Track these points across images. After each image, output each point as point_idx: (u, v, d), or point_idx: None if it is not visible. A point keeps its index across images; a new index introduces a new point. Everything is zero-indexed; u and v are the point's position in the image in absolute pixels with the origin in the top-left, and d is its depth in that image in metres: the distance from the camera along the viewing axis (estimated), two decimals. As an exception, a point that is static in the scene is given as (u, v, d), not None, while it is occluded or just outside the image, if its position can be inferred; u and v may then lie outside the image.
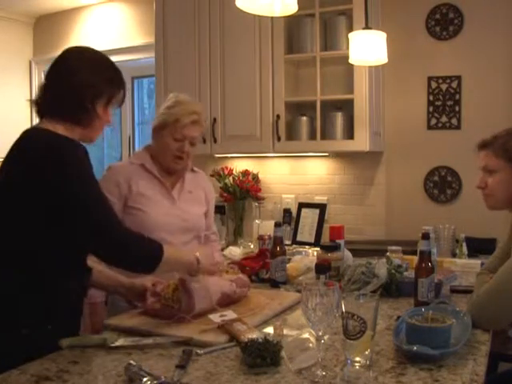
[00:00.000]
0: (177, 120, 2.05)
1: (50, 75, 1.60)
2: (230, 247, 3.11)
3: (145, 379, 1.21)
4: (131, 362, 1.29)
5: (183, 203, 2.15)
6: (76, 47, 1.69)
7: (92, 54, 1.65)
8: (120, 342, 1.49)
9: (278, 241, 2.20)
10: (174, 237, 2.07)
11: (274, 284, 2.17)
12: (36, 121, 1.64)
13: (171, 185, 2.15)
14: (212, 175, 3.56)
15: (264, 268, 2.28)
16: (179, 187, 2.17)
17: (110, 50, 4.18)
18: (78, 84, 1.55)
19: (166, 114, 2.08)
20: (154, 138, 2.15)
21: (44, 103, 1.59)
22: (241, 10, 1.68)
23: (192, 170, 2.26)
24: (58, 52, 1.64)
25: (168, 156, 2.09)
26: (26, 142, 1.55)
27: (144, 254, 1.54)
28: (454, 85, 3.13)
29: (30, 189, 1.47)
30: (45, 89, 1.59)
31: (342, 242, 2.24)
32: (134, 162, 2.13)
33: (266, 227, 3.13)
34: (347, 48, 2.62)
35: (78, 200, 1.47)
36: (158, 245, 1.56)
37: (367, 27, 2.53)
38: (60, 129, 1.54)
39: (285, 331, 1.57)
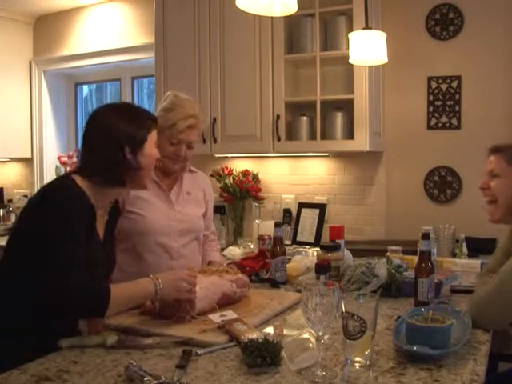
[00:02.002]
0: (173, 125, 2.03)
1: None
2: (230, 247, 3.11)
3: (145, 379, 1.21)
4: (131, 361, 1.29)
5: (181, 205, 2.14)
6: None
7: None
8: (120, 342, 1.49)
9: (277, 241, 2.20)
10: (172, 240, 2.07)
11: (274, 284, 2.18)
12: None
13: (169, 187, 2.15)
14: (212, 175, 3.56)
15: (264, 268, 2.28)
16: (177, 189, 2.16)
17: (110, 50, 4.20)
18: None
19: (162, 118, 2.02)
20: None
21: None
22: (241, 10, 1.67)
23: (190, 171, 2.26)
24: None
25: (164, 159, 2.06)
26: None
27: (88, 304, 1.50)
28: (454, 85, 3.13)
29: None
30: None
31: (342, 241, 2.24)
32: None
33: (266, 227, 3.13)
34: (347, 48, 2.62)
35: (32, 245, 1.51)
36: (103, 291, 1.50)
37: (367, 27, 2.53)
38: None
39: (285, 331, 1.57)
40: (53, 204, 1.53)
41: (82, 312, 1.52)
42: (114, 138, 1.62)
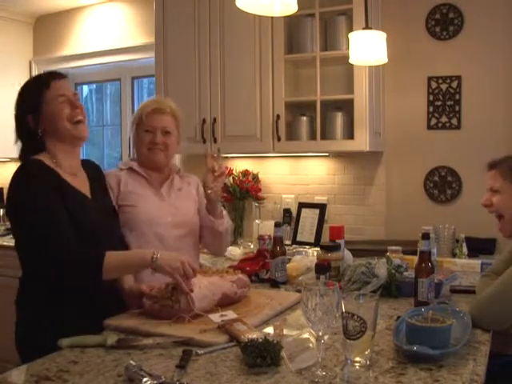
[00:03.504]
0: (140, 114, 2.16)
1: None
2: (230, 247, 3.10)
3: (145, 379, 1.21)
4: (131, 362, 1.29)
5: (173, 200, 2.17)
6: None
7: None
8: (120, 342, 1.49)
9: (277, 241, 2.20)
10: (166, 231, 2.09)
11: (274, 284, 2.18)
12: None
13: (159, 184, 2.19)
14: (212, 175, 3.56)
15: (264, 268, 2.28)
16: (167, 186, 2.19)
17: (110, 50, 4.20)
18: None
19: (134, 114, 2.23)
20: (133, 140, 2.25)
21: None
22: (241, 10, 1.67)
23: (181, 175, 2.27)
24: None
25: (143, 149, 2.15)
26: None
27: (82, 265, 1.58)
28: (454, 85, 3.13)
29: None
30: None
31: (342, 241, 2.24)
32: (122, 167, 2.20)
33: (266, 227, 3.13)
34: (347, 48, 2.62)
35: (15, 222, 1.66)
36: (96, 253, 1.61)
37: (367, 27, 2.53)
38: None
39: (285, 331, 1.57)
40: (15, 190, 1.63)
41: (80, 279, 1.60)
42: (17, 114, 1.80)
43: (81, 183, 1.78)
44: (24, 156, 1.76)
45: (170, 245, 2.07)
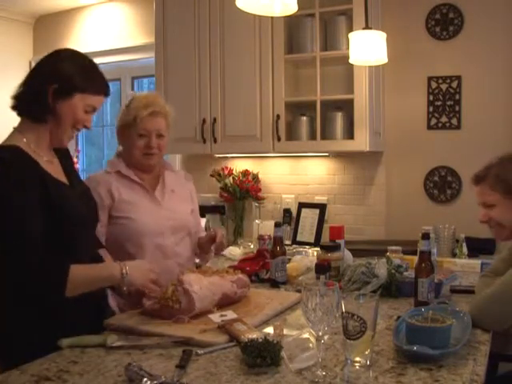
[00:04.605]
0: (135, 116, 2.04)
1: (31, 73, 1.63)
2: (230, 247, 3.11)
3: (145, 379, 1.21)
4: (131, 362, 1.29)
5: (168, 202, 2.12)
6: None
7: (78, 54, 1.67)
8: (120, 342, 1.49)
9: (277, 241, 2.20)
10: (165, 239, 2.06)
11: (274, 284, 2.18)
12: None
13: (152, 186, 2.12)
14: (212, 175, 3.57)
15: (264, 268, 2.28)
16: (160, 188, 2.13)
17: (110, 50, 4.20)
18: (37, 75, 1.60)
19: (125, 114, 2.07)
20: (121, 140, 2.14)
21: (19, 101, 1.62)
22: (241, 10, 1.67)
23: (170, 170, 2.22)
24: None
25: (137, 154, 2.06)
26: None
27: (45, 279, 1.47)
28: (454, 85, 3.13)
29: None
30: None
31: (342, 241, 2.24)
32: (109, 170, 2.09)
33: (266, 227, 3.13)
34: (347, 48, 2.62)
35: None
36: (61, 268, 1.48)
37: (367, 27, 2.53)
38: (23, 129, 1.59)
39: (285, 331, 1.57)
40: None
41: (41, 291, 1.49)
42: (48, 68, 1.59)
43: (57, 170, 1.65)
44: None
45: (169, 252, 2.07)
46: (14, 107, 1.61)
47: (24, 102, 1.59)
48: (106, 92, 1.66)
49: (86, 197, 1.74)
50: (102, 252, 1.85)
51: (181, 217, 2.14)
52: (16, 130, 1.61)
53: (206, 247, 2.19)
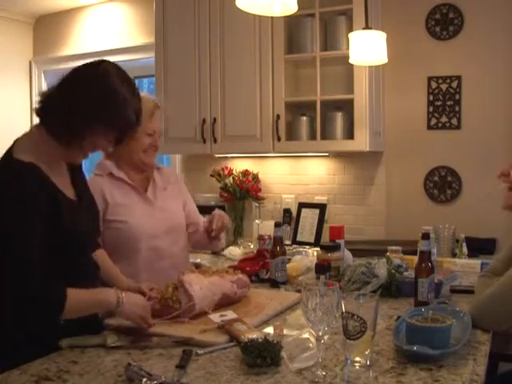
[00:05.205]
0: (151, 114, 2.03)
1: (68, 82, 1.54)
2: (230, 247, 3.11)
3: (145, 379, 1.21)
4: (131, 362, 1.29)
5: (161, 202, 2.12)
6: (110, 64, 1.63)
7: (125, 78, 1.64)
8: (120, 342, 1.49)
9: (277, 241, 2.20)
10: (160, 241, 2.05)
11: (274, 284, 2.18)
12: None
13: (143, 187, 2.11)
14: (212, 175, 3.57)
15: (264, 268, 2.28)
16: (152, 187, 2.13)
17: (109, 50, 4.19)
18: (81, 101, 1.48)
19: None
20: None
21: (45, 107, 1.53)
22: (241, 10, 1.67)
23: (157, 168, 2.21)
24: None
25: (140, 153, 2.05)
26: None
27: (42, 304, 1.42)
28: (454, 85, 3.13)
29: None
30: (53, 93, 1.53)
31: (342, 242, 2.24)
32: (99, 173, 2.06)
33: (266, 227, 3.13)
34: (347, 48, 2.62)
35: None
36: (59, 292, 1.43)
37: (367, 27, 2.53)
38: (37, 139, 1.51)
39: (285, 331, 1.57)
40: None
41: (37, 316, 1.45)
42: (90, 104, 1.49)
43: (65, 182, 1.60)
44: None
45: (164, 254, 2.07)
46: (38, 114, 1.54)
47: (52, 121, 1.51)
48: (136, 126, 1.62)
49: (91, 211, 1.70)
50: (100, 253, 1.84)
51: (175, 216, 2.15)
52: (32, 137, 1.54)
53: (210, 231, 2.13)
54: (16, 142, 1.54)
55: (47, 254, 1.45)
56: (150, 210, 2.08)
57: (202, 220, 2.26)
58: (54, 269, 1.47)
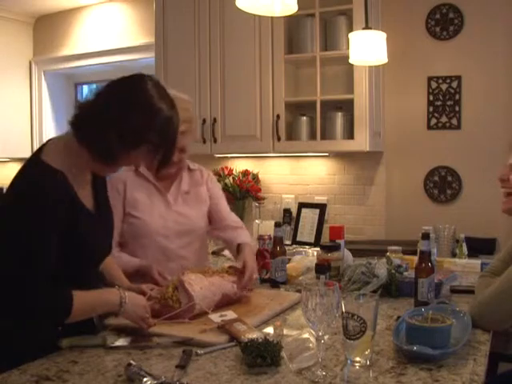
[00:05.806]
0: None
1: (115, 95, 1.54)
2: (230, 247, 3.11)
3: (145, 379, 1.21)
4: (131, 362, 1.29)
5: (179, 206, 2.12)
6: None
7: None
8: (120, 342, 1.49)
9: (277, 241, 2.20)
10: (169, 241, 2.06)
11: (274, 284, 2.17)
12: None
13: (166, 188, 2.12)
14: (212, 175, 3.57)
15: (264, 268, 2.28)
16: (175, 190, 2.13)
17: (110, 50, 4.20)
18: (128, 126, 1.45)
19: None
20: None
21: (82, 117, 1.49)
22: (241, 10, 1.67)
23: (189, 169, 2.20)
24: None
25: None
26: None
27: (50, 308, 1.41)
28: (454, 85, 3.13)
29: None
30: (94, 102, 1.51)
31: (341, 242, 2.24)
32: (128, 169, 2.07)
33: (266, 227, 3.13)
34: (347, 48, 2.62)
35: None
36: (66, 297, 1.41)
37: (367, 27, 2.53)
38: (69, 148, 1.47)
39: (285, 331, 1.57)
40: (21, 207, 1.39)
41: (44, 319, 1.44)
42: (129, 126, 1.45)
43: (86, 193, 1.57)
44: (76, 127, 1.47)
45: (173, 255, 2.07)
46: (74, 126, 1.48)
47: (89, 138, 1.46)
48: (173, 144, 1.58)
49: (108, 226, 1.68)
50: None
51: (190, 222, 2.12)
52: (65, 143, 1.49)
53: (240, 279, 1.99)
54: (48, 143, 1.50)
55: (57, 263, 1.44)
56: (166, 211, 2.08)
57: (229, 218, 2.25)
58: (61, 277, 1.46)
